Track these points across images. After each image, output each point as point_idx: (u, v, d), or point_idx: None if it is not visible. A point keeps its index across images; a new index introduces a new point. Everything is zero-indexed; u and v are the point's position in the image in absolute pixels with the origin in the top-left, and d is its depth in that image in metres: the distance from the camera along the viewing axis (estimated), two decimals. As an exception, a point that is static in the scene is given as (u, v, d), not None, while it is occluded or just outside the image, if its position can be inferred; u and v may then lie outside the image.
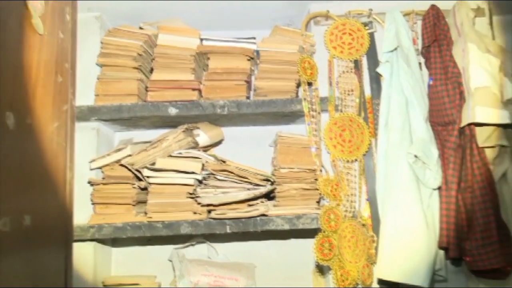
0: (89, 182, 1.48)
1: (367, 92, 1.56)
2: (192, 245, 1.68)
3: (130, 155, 1.47)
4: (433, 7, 1.56)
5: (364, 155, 1.49)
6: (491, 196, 1.35)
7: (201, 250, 1.68)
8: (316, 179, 1.47)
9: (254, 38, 1.59)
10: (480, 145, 1.40)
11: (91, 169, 1.50)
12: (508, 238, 1.35)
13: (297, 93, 1.58)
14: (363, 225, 1.45)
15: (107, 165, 1.49)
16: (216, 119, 1.62)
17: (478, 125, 1.39)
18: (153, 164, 1.46)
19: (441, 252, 1.40)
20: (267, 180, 1.46)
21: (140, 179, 1.48)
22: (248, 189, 1.43)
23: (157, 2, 1.56)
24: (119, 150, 1.49)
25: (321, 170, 1.48)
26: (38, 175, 0.91)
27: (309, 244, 1.44)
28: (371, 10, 1.61)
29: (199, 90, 1.54)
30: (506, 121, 1.34)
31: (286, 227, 1.44)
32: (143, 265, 1.69)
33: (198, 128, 1.59)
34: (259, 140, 1.74)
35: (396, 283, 1.36)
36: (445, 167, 1.40)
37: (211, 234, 1.47)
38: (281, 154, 1.50)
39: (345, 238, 1.40)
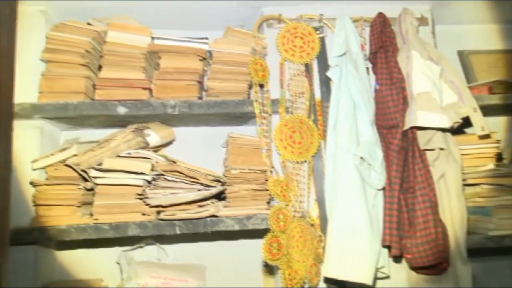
0: (31, 183, 1.42)
1: (317, 95, 1.60)
2: (141, 247, 1.65)
3: (75, 155, 1.43)
4: (380, 14, 1.62)
5: (313, 156, 1.53)
6: (430, 196, 1.42)
7: (150, 252, 1.66)
8: (266, 180, 1.49)
9: (206, 38, 1.59)
10: (422, 147, 1.47)
11: (34, 169, 1.44)
12: (445, 236, 1.42)
13: (249, 95, 1.59)
14: (312, 225, 1.48)
15: (50, 165, 1.43)
16: (167, 119, 1.61)
17: (419, 128, 1.46)
18: (100, 164, 1.42)
19: (385, 250, 1.45)
20: (218, 181, 1.46)
21: (86, 180, 1.43)
22: (199, 190, 1.43)
23: (107, -2, 1.52)
24: (64, 149, 1.44)
25: (271, 171, 1.50)
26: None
27: (259, 244, 1.44)
28: (322, 15, 1.65)
29: (150, 90, 1.51)
30: (444, 125, 1.41)
31: (236, 227, 1.44)
32: (89, 268, 1.63)
33: (148, 128, 1.57)
34: (211, 140, 1.74)
35: (342, 281, 1.40)
36: (389, 168, 1.46)
37: (161, 235, 1.45)
38: (232, 155, 1.51)
39: (294, 238, 1.42)
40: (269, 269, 1.59)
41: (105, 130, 1.63)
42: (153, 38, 1.55)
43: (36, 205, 1.41)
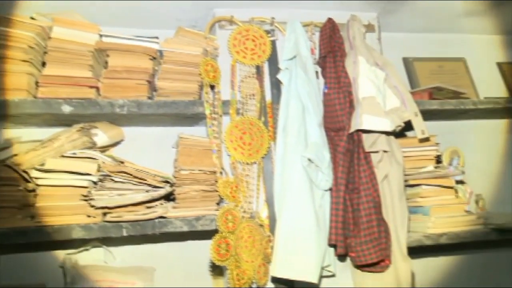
0: (-34, 184, 1.34)
1: (268, 97, 1.62)
2: (87, 249, 1.60)
3: (16, 155, 1.37)
4: (329, 20, 1.67)
5: (263, 157, 1.55)
6: (374, 197, 1.48)
7: (96, 255, 1.61)
8: (216, 181, 1.49)
9: (157, 37, 1.57)
10: (367, 150, 1.52)
11: (-31, 170, 1.36)
12: (387, 234, 1.49)
13: (200, 95, 1.59)
14: (261, 225, 1.50)
15: (-12, 165, 1.36)
16: (116, 119, 1.57)
17: (365, 131, 1.51)
18: (43, 164, 1.37)
19: (331, 249, 1.49)
20: (167, 182, 1.45)
21: (28, 181, 1.37)
22: (146, 191, 1.41)
23: (53, -8, 1.47)
24: (3, 149, 1.37)
25: (221, 172, 1.51)
26: None
27: (208, 246, 1.44)
28: (273, 18, 1.67)
29: (97, 88, 1.47)
30: (388, 128, 1.48)
31: (185, 228, 1.44)
32: (31, 273, 1.57)
33: (96, 127, 1.53)
34: (162, 141, 1.72)
35: (290, 281, 1.43)
36: (335, 169, 1.50)
37: (107, 238, 1.42)
38: (182, 156, 1.50)
39: (242, 239, 1.44)
40: (219, 270, 1.60)
41: (49, 129, 1.57)
42: (101, 35, 1.51)
43: (-29, 207, 1.34)
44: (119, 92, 1.48)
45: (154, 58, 1.53)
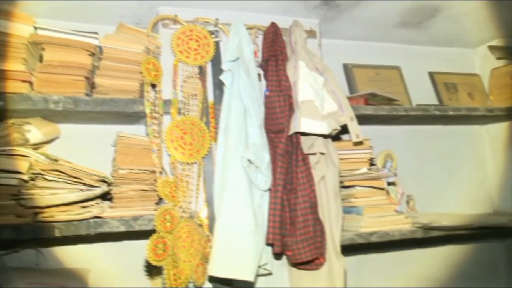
0: None
1: (211, 97, 1.63)
2: (17, 251, 1.53)
3: None
4: (273, 24, 1.71)
5: (204, 158, 1.56)
6: (310, 197, 1.53)
7: (28, 257, 1.55)
8: (155, 181, 1.48)
9: (96, 33, 1.53)
10: (305, 152, 1.58)
11: None
12: (322, 233, 1.55)
13: (141, 94, 1.57)
14: (200, 225, 1.51)
15: None
16: (50, 115, 1.52)
17: (303, 134, 1.57)
18: (-32, 161, 1.29)
19: (269, 248, 1.53)
20: (104, 181, 1.42)
21: (-50, 179, 1.29)
22: (81, 190, 1.37)
23: (-18, -20, 1.39)
24: None
25: (161, 172, 1.50)
26: None
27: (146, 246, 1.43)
28: (217, 19, 1.69)
29: (30, 83, 1.41)
30: (325, 131, 1.54)
31: (122, 229, 1.41)
32: (-47, 276, 1.47)
33: (29, 123, 1.46)
34: (100, 139, 1.68)
35: (228, 280, 1.45)
36: (274, 170, 1.54)
37: (39, 238, 1.37)
38: (120, 155, 1.47)
39: (180, 238, 1.44)
40: (157, 270, 1.58)
41: (-23, 124, 1.49)
42: (36, 28, 1.45)
43: None
44: (55, 88, 1.43)
45: (93, 54, 1.49)
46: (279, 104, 1.58)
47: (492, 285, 2.20)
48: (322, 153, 1.60)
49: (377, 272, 2.04)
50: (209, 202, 1.53)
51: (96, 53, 1.51)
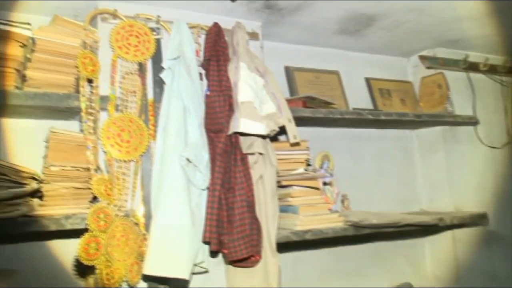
0: None
1: (150, 95, 1.62)
2: None
3: None
4: (215, 24, 1.72)
5: (141, 156, 1.54)
6: (248, 196, 1.57)
7: None
8: (90, 178, 1.45)
9: (29, 24, 1.47)
10: (244, 151, 1.61)
11: None
12: (259, 232, 1.58)
13: (76, 89, 1.52)
14: (136, 224, 1.49)
15: None
16: (-24, 108, 1.43)
17: (242, 134, 1.60)
18: None
19: (206, 246, 1.54)
20: (34, 178, 1.37)
21: None
22: (9, 187, 1.31)
23: None
24: None
25: (96, 169, 1.46)
26: None
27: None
28: (159, 17, 1.67)
29: (-47, 73, 1.33)
30: (263, 132, 1.57)
31: (53, 228, 1.36)
32: None
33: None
34: (32, 135, 1.61)
35: (164, 279, 1.44)
36: (213, 169, 1.56)
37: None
38: (52, 151, 1.42)
39: (115, 237, 1.42)
40: (91, 270, 1.54)
41: None
42: (-39, 15, 1.37)
43: None
44: (-19, 80, 1.35)
45: (25, 45, 1.43)
46: (219, 104, 1.60)
47: (416, 278, 2.36)
48: (260, 153, 1.63)
49: (313, 268, 2.12)
50: (146, 201, 1.52)
51: (29, 44, 1.44)
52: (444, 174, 2.36)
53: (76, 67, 1.47)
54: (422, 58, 2.40)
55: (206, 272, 1.57)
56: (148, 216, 1.51)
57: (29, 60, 1.46)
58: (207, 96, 1.65)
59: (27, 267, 1.56)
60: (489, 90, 2.52)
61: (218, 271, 1.63)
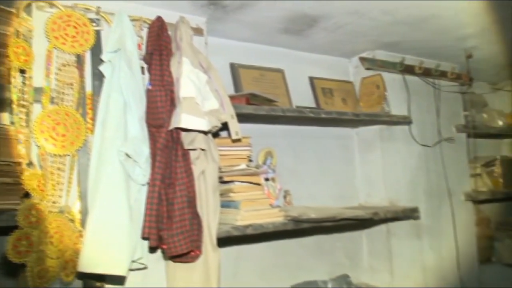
0: None
1: (89, 88, 1.58)
2: None
3: None
4: (159, 18, 1.70)
5: (78, 150, 1.50)
6: (188, 191, 1.57)
7: None
8: (21, 173, 1.39)
9: (-46, 8, 1.38)
10: (185, 147, 1.61)
11: None
12: (199, 227, 1.59)
13: (8, 80, 1.45)
14: (72, 220, 1.45)
15: None
16: None
17: (184, 129, 1.59)
18: None
19: (144, 242, 1.53)
20: (-42, 172, 1.29)
21: None
22: None
23: None
24: None
25: (28, 164, 1.41)
26: None
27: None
28: (99, 8, 1.63)
29: None
30: (205, 128, 1.58)
31: (-21, 225, 1.30)
32: None
33: None
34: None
35: (100, 276, 1.42)
36: (153, 165, 1.54)
37: None
38: (-21, 145, 1.35)
39: (48, 234, 1.37)
40: (22, 268, 1.48)
41: None
42: None
43: None
44: None
45: (-51, 31, 1.35)
46: (160, 99, 1.59)
47: (354, 270, 2.47)
48: (202, 149, 1.64)
49: (254, 263, 2.16)
50: (83, 197, 1.48)
51: (-47, 30, 1.36)
52: (380, 171, 2.48)
53: (7, 56, 1.40)
54: (362, 59, 2.50)
55: (145, 268, 1.56)
56: (84, 212, 1.47)
57: (-46, 47, 1.37)
58: (148, 91, 1.62)
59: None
60: (423, 92, 2.67)
61: (157, 267, 1.62)
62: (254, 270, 2.15)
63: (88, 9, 1.61)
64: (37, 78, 1.47)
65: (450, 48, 2.54)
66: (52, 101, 1.48)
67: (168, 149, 1.58)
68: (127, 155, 1.48)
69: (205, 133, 1.64)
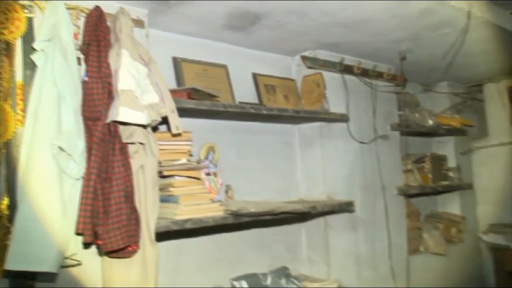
0: None
1: (20, 77, 1.50)
2: None
3: None
4: (97, 8, 1.65)
5: (6, 143, 1.43)
6: (126, 186, 1.55)
7: None
8: None
9: None
10: (124, 141, 1.58)
11: None
12: (137, 222, 1.58)
13: None
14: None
15: None
16: None
17: (122, 123, 1.56)
18: None
19: (78, 237, 1.49)
20: None
21: None
22: None
23: None
24: None
25: (-51, 157, 1.32)
26: None
27: None
28: (32, -6, 1.56)
29: None
30: (144, 122, 1.56)
31: None
32: None
33: None
34: None
35: (30, 274, 1.36)
36: (89, 159, 1.51)
37: None
38: None
39: (-29, 231, 1.30)
40: None
41: None
42: None
43: None
44: None
45: None
46: (97, 91, 1.55)
47: (293, 262, 2.55)
48: (141, 143, 1.62)
49: (195, 257, 2.16)
50: (11, 192, 1.41)
51: None
52: (319, 166, 2.58)
53: None
54: (304, 58, 2.57)
55: (79, 264, 1.52)
56: (13, 208, 1.40)
57: None
58: (84, 82, 1.58)
59: None
60: (360, 91, 2.80)
61: (92, 263, 1.58)
62: (194, 264, 2.16)
63: (20, -6, 1.54)
64: (-39, 65, 1.38)
65: (385, 50, 2.68)
66: (-23, 90, 1.39)
67: (105, 143, 1.55)
68: (60, 148, 1.43)
69: (144, 127, 1.63)
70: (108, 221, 1.47)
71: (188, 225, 1.74)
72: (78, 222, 1.45)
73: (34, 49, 1.51)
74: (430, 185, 3.19)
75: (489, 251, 3.15)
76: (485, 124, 3.79)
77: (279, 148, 2.62)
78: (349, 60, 2.72)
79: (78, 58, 1.61)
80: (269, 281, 2.24)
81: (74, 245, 1.46)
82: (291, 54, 2.70)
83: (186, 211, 1.75)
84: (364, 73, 2.79)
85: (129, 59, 1.62)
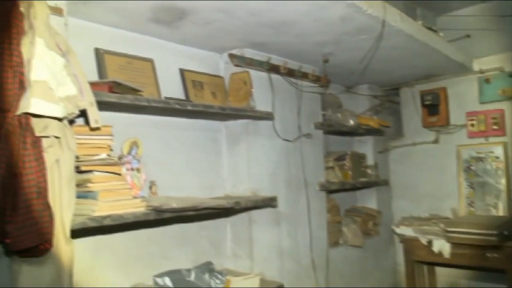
0: None
1: None
2: None
3: None
4: (11, -7, 1.55)
5: None
6: (38, 182, 1.47)
7: None
8: None
9: None
10: (37, 134, 1.50)
11: None
12: (50, 219, 1.50)
13: None
14: None
15: None
16: None
17: (36, 115, 1.49)
18: None
19: (-18, 237, 1.40)
20: None
21: None
22: None
23: None
24: None
25: None
26: None
27: None
28: None
29: None
30: (59, 115, 1.50)
31: None
32: None
33: None
34: None
35: None
36: (-4, 152, 1.42)
37: None
38: None
39: None
40: None
41: None
42: None
43: None
44: None
45: None
46: (7, 81, 1.46)
47: (218, 257, 2.59)
48: (56, 137, 1.55)
49: (116, 254, 2.11)
50: None
51: None
52: (245, 163, 2.63)
53: None
54: (231, 56, 2.61)
55: (-16, 265, 1.43)
56: None
57: None
58: (-7, 71, 1.48)
59: None
60: (286, 91, 2.90)
61: (2, 262, 1.49)
62: (115, 261, 2.11)
63: None
64: None
65: (310, 52, 2.80)
66: None
67: (15, 136, 1.46)
68: (-38, 141, 1.33)
69: (59, 119, 1.56)
70: (17, 218, 1.40)
71: (107, 222, 1.70)
72: (-17, 221, 1.36)
73: None
74: (349, 181, 3.39)
75: (400, 242, 3.42)
76: (401, 125, 4.10)
77: (205, 145, 2.63)
78: (276, 60, 2.80)
79: (-17, 45, 1.50)
80: (192, 277, 2.25)
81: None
82: (219, 51, 2.72)
83: (105, 208, 1.71)
84: (290, 73, 2.89)
85: (44, 48, 1.55)
